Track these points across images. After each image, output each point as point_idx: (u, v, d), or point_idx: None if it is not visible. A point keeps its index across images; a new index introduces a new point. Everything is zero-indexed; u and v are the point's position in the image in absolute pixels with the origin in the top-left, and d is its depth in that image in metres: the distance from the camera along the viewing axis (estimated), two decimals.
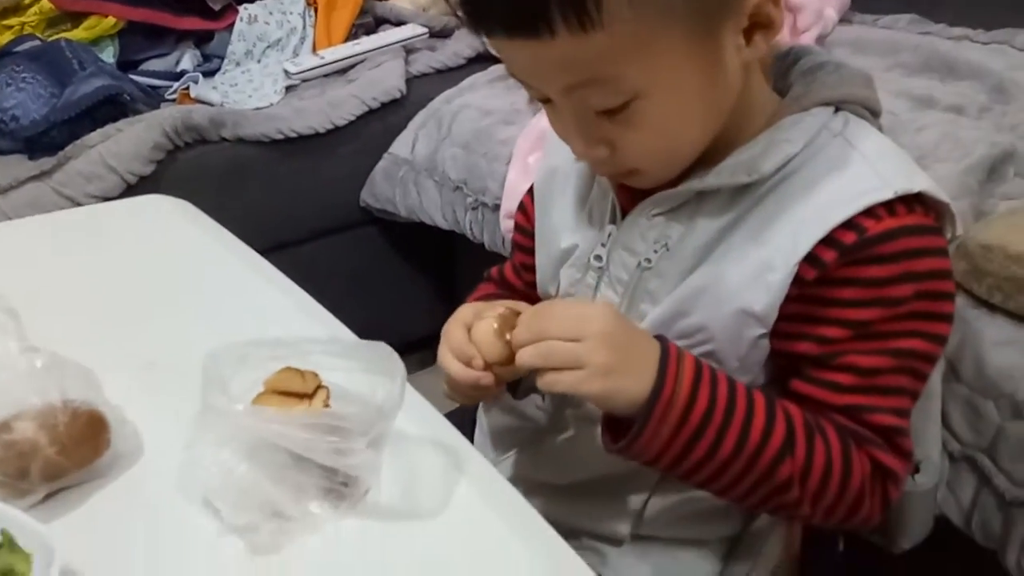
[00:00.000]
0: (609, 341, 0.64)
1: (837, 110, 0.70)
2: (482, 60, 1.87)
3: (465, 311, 0.74)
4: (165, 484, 0.62)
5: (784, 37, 1.47)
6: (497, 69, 1.80)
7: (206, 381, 0.60)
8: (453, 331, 0.72)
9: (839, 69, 0.72)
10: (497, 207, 1.55)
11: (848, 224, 0.65)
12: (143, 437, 0.67)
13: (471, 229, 1.64)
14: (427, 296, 1.95)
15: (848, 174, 0.67)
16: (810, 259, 0.66)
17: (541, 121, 1.49)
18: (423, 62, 1.91)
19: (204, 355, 0.61)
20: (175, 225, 1.04)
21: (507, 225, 1.51)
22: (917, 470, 0.80)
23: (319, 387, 0.63)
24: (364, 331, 0.71)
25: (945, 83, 1.52)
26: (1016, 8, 1.72)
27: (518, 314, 0.69)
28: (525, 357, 0.65)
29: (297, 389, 0.62)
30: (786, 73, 0.74)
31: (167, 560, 0.58)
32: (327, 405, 0.62)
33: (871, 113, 0.73)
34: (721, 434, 0.65)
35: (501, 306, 0.71)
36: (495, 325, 0.68)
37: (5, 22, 1.78)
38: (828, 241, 0.66)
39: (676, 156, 0.69)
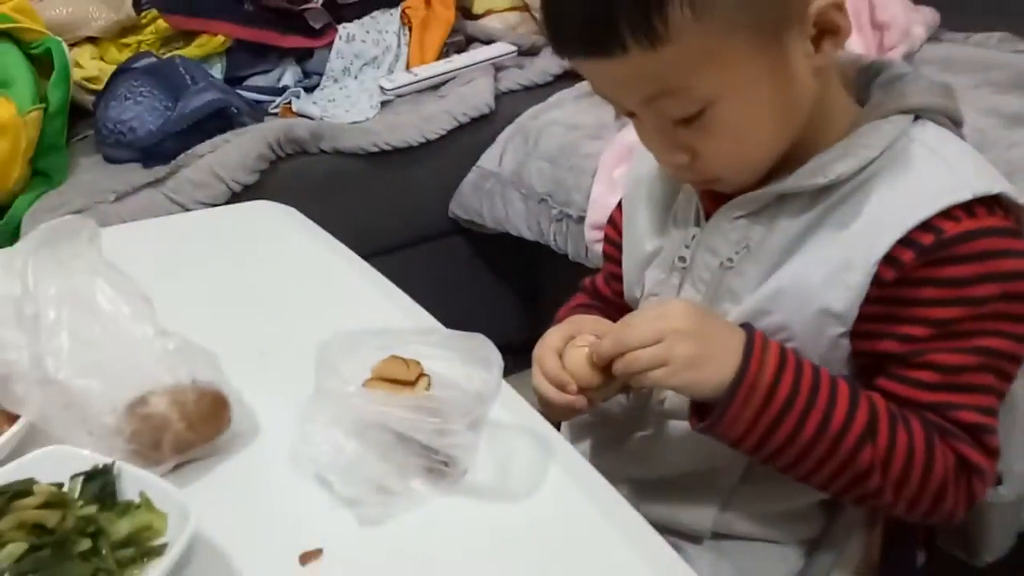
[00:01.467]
0: (689, 334, 0.67)
1: (917, 119, 0.71)
2: (569, 77, 1.90)
3: (554, 337, 0.77)
4: (280, 460, 0.67)
5: (871, 51, 1.48)
6: (583, 86, 1.83)
7: (320, 366, 0.65)
8: (546, 358, 0.76)
9: (918, 79, 0.74)
10: (582, 219, 1.58)
11: (925, 225, 0.67)
12: (258, 418, 0.72)
13: (555, 240, 1.67)
14: (510, 305, 1.98)
15: (926, 176, 0.69)
16: (889, 260, 0.68)
17: (626, 136, 1.52)
18: (511, 79, 1.96)
19: (317, 344, 0.66)
20: (281, 229, 1.10)
21: (591, 236, 1.54)
22: (1000, 481, 0.79)
23: (421, 375, 0.67)
24: None
25: None
26: None
27: None
28: (617, 369, 0.69)
29: (401, 376, 0.67)
30: (868, 85, 0.76)
31: (283, 528, 0.63)
32: (428, 391, 0.67)
33: (953, 123, 0.74)
34: (803, 418, 0.67)
35: (591, 334, 0.74)
36: (585, 352, 0.72)
37: (123, 40, 1.88)
38: (906, 242, 0.67)
39: (752, 160, 0.71)
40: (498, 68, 2.00)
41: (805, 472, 0.70)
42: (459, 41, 2.13)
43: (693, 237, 0.78)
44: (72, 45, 1.78)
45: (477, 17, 2.22)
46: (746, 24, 0.64)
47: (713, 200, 0.77)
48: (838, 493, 0.73)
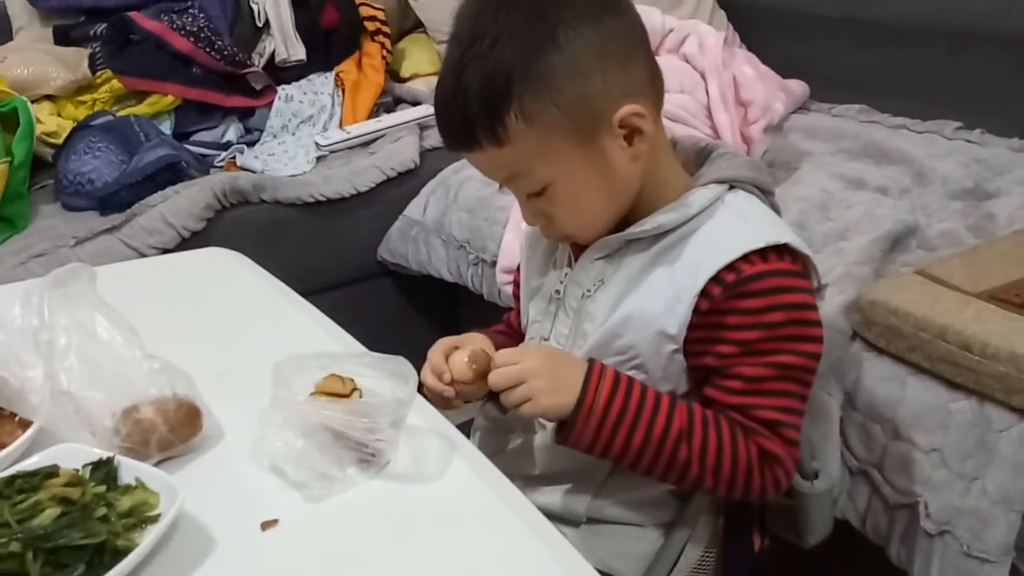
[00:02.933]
0: (541, 373, 0.86)
1: (732, 188, 0.89)
2: None
3: (446, 343, 0.95)
4: (243, 455, 0.82)
5: (735, 125, 1.70)
6: None
7: (275, 380, 0.81)
8: (434, 354, 0.94)
9: (734, 158, 0.92)
10: (495, 263, 1.73)
11: (730, 267, 0.83)
12: (224, 425, 0.87)
13: (472, 282, 1.82)
14: (431, 339, 2.00)
15: (731, 231, 0.85)
16: (704, 294, 0.85)
17: None
18: (435, 137, 2.06)
19: (268, 367, 0.81)
20: (234, 272, 1.26)
21: (502, 279, 1.69)
22: (817, 476, 0.97)
23: (354, 389, 0.83)
24: None
25: (878, 167, 1.70)
26: (952, 101, 1.90)
27: (485, 352, 0.91)
28: (508, 401, 0.87)
29: (338, 390, 0.82)
30: (702, 161, 0.95)
31: (247, 505, 0.76)
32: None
33: (763, 191, 0.91)
34: (632, 429, 0.85)
35: (472, 345, 0.92)
36: (466, 356, 0.91)
37: (80, 98, 2.01)
38: (716, 280, 0.84)
39: (593, 224, 0.90)
40: (423, 127, 2.12)
41: (644, 468, 0.88)
42: (388, 102, 2.27)
43: (566, 275, 0.96)
44: (32, 102, 1.89)
45: (404, 80, 2.36)
46: (565, 129, 0.83)
47: (580, 247, 0.95)
48: (674, 482, 0.89)
